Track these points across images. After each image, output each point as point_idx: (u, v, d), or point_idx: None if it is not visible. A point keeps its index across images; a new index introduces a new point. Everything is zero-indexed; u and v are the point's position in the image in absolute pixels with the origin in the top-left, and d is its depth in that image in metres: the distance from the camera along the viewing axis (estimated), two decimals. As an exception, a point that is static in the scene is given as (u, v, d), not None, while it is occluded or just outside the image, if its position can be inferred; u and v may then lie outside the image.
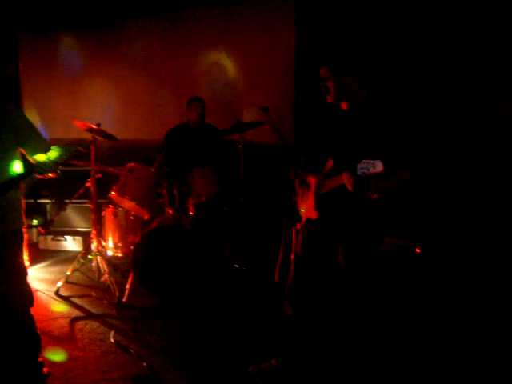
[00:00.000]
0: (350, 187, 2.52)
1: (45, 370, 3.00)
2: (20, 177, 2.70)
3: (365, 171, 2.35)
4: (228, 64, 6.41)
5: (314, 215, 2.85)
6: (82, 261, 4.76)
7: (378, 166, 2.32)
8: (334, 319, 3.11)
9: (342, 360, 3.07)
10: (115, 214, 4.87)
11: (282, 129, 4.64)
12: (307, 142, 3.14)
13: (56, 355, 3.39)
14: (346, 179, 2.53)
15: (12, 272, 2.79)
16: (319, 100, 2.89)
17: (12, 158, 2.76)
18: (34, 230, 6.05)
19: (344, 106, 2.86)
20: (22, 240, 2.87)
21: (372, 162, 2.33)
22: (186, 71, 6.46)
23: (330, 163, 2.84)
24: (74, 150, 2.79)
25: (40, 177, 2.77)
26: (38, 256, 5.63)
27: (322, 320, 3.13)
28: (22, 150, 2.80)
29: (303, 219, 2.91)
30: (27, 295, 2.89)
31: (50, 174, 2.77)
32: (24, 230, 2.92)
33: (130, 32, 6.45)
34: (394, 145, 2.59)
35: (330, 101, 2.85)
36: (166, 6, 6.38)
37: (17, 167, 2.76)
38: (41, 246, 6.00)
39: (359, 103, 2.79)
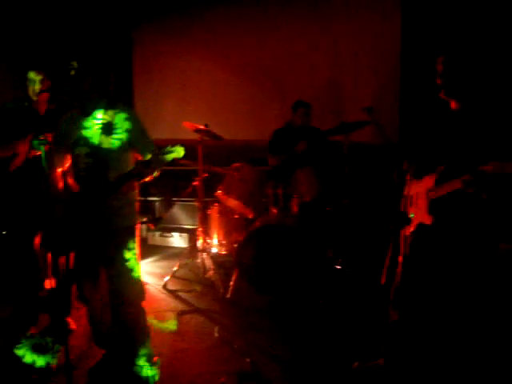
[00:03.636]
0: (462, 187, 2.43)
1: (154, 358, 3.13)
2: (131, 175, 2.79)
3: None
4: (331, 63, 6.36)
5: (427, 220, 2.72)
6: (187, 261, 5.00)
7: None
8: (443, 325, 2.97)
9: (452, 367, 2.94)
10: (221, 213, 5.00)
11: (387, 129, 4.52)
12: (412, 143, 3.03)
13: (164, 346, 3.53)
14: (463, 182, 2.42)
15: (125, 266, 2.92)
16: (426, 99, 2.79)
17: (126, 157, 2.92)
18: (144, 227, 6.35)
19: (453, 105, 2.73)
20: (134, 236, 3.00)
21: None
22: (290, 71, 6.49)
23: (441, 167, 2.71)
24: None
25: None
26: (146, 251, 5.89)
27: (430, 326, 3.00)
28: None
29: (414, 224, 2.80)
30: (139, 289, 3.03)
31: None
32: (137, 226, 3.06)
33: (238, 35, 6.60)
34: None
35: (442, 97, 2.73)
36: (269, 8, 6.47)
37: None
38: (149, 242, 6.31)
39: (472, 102, 2.65)
